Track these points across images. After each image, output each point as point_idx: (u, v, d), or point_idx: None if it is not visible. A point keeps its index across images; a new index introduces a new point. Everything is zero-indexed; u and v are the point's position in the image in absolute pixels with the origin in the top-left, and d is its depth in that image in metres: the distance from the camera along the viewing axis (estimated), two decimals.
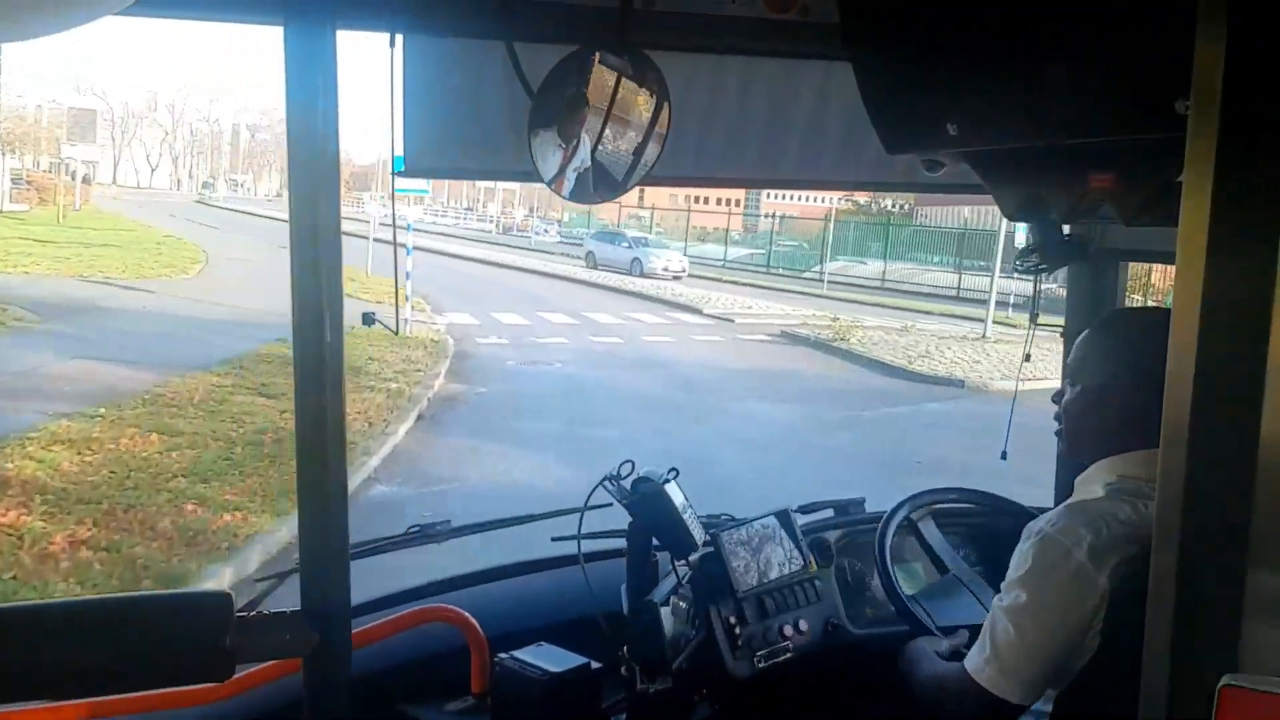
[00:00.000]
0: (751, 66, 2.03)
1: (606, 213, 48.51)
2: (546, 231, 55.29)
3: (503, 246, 45.57)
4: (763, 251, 42.45)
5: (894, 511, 2.31)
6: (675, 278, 31.39)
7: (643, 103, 1.76)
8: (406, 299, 16.16)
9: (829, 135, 2.11)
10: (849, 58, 1.88)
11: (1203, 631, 0.98)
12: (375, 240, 17.32)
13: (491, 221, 69.13)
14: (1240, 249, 0.94)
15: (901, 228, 39.22)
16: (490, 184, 61.65)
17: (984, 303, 27.98)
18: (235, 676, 1.54)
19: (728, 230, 45.82)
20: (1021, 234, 20.80)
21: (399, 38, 1.74)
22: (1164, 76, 1.26)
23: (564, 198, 1.84)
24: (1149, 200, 1.54)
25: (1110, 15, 1.44)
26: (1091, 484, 1.78)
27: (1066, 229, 2.25)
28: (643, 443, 10.07)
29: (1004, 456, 1.92)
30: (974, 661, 1.72)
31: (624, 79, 1.74)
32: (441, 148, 1.90)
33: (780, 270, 39.08)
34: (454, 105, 1.87)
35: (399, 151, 1.88)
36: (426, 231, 48.82)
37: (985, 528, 2.44)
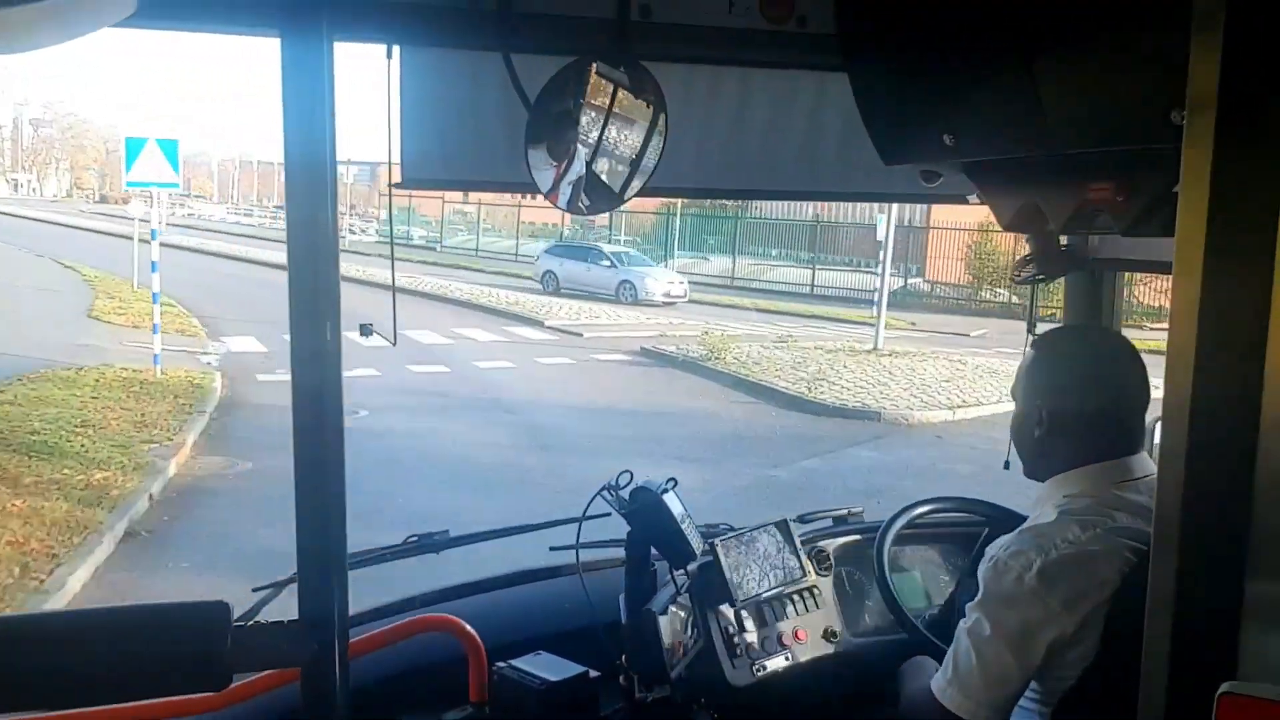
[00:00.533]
0: (749, 77, 2.03)
1: (428, 207, 45.22)
2: (364, 231, 48.90)
3: None
4: None
5: (892, 520, 2.31)
6: (670, 303, 26.06)
7: (640, 114, 1.77)
8: (156, 328, 13.14)
9: (826, 146, 2.11)
10: (846, 69, 1.89)
11: (1201, 640, 0.98)
12: (157, 243, 13.07)
13: None
14: (1236, 258, 0.94)
15: (745, 221, 35.15)
16: None
17: (846, 300, 26.64)
18: (232, 686, 1.54)
19: (561, 227, 39.86)
20: (882, 226, 20.10)
21: (396, 49, 1.75)
22: (1160, 87, 1.26)
23: (561, 209, 1.85)
24: (1146, 210, 1.54)
25: (1106, 26, 1.45)
26: (1045, 504, 1.84)
27: (1063, 239, 2.26)
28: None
29: (1006, 466, 1.97)
30: (938, 682, 1.75)
31: (621, 90, 1.75)
32: (439, 159, 1.90)
33: None
34: (452, 116, 1.87)
35: (397, 162, 1.88)
36: (223, 233, 43.98)
37: (982, 537, 2.44)
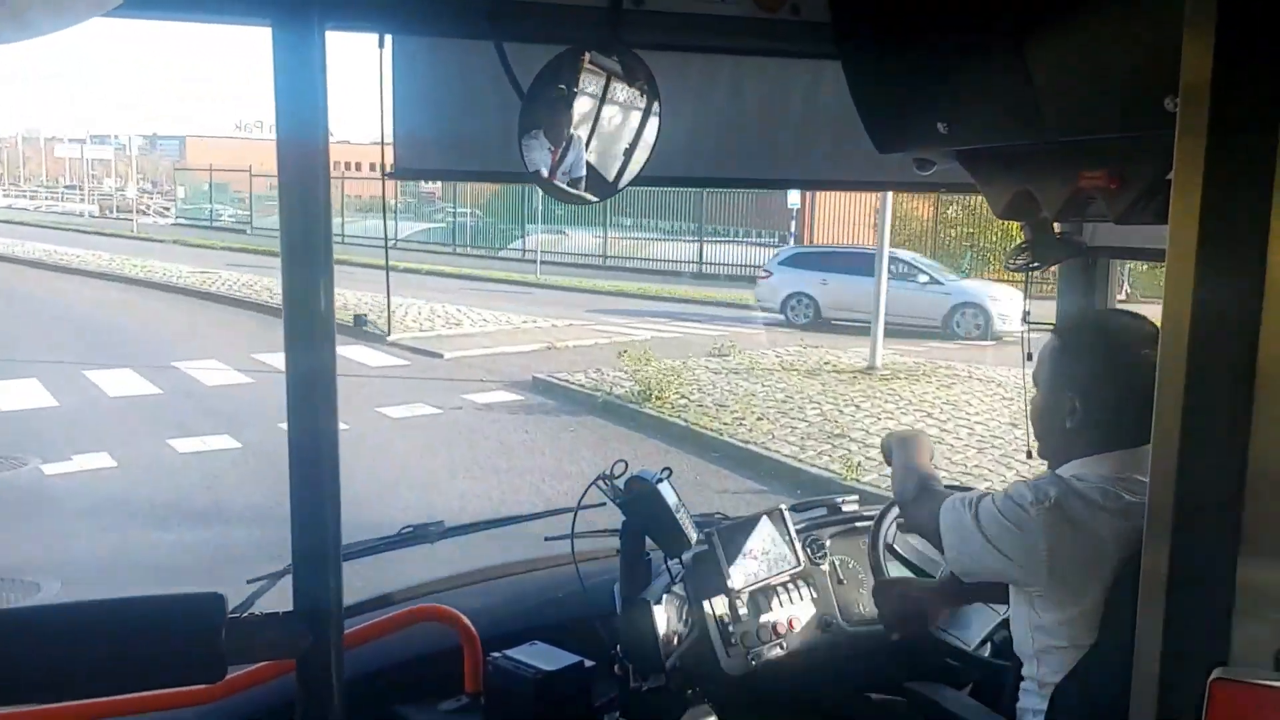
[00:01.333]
0: (742, 66, 2.03)
1: (237, 181, 39.00)
2: (165, 212, 45.42)
3: (94, 234, 34.35)
4: (442, 225, 33.33)
5: (887, 509, 2.31)
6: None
7: (633, 102, 1.76)
8: None
9: (820, 134, 2.11)
10: (839, 57, 1.89)
11: (1194, 626, 0.98)
12: None
13: (97, 201, 54.03)
14: (1230, 245, 0.94)
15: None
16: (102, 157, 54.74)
17: (738, 279, 22.28)
18: (228, 677, 1.54)
19: (396, 202, 34.67)
20: (795, 192, 19.14)
21: (388, 38, 1.74)
22: (1153, 74, 1.26)
23: (557, 199, 1.84)
24: (1139, 197, 1.54)
25: (1099, 14, 1.45)
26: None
27: (1057, 227, 2.26)
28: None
29: (1029, 455, 1.99)
30: (947, 517, 1.85)
31: (614, 79, 1.74)
32: (431, 149, 1.90)
33: (469, 249, 30.88)
34: (444, 106, 1.87)
35: (389, 153, 1.88)
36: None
37: None
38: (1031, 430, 1.93)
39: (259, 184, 36.51)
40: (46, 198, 59.72)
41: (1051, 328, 2.51)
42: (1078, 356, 1.84)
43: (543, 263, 25.59)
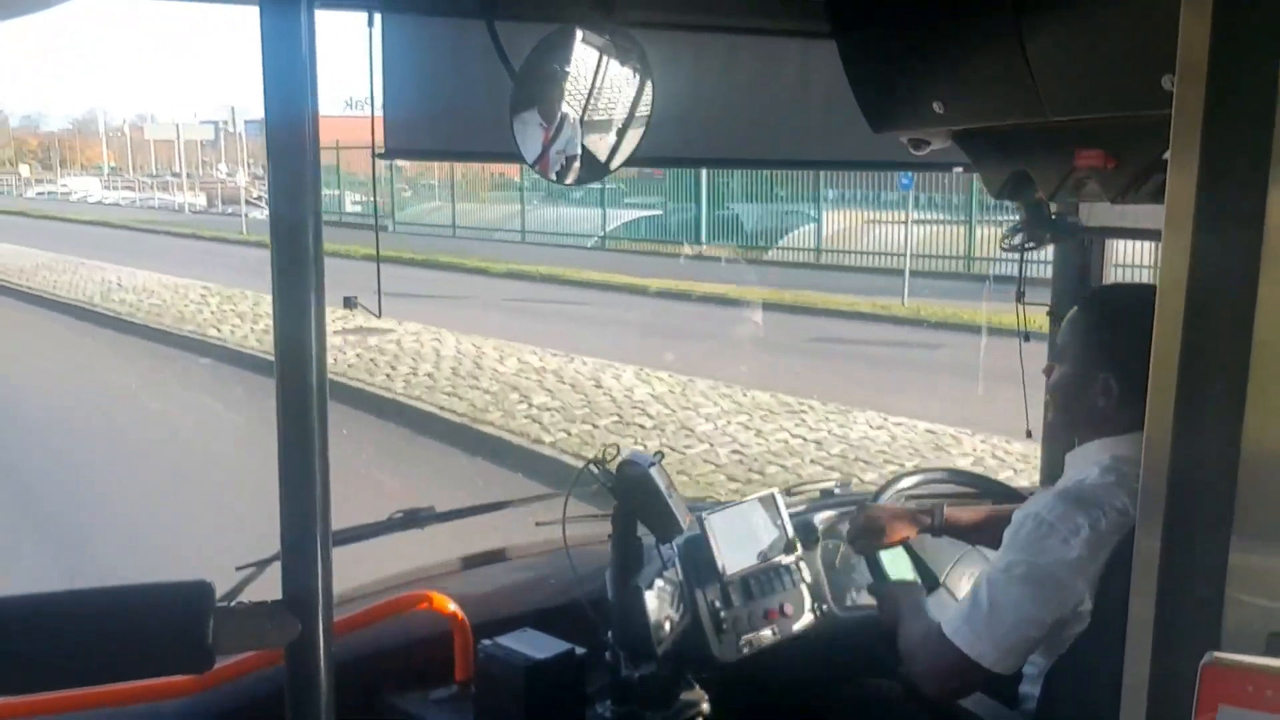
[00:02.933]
0: (735, 44, 2.01)
1: (359, 162, 28.36)
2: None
3: (189, 237, 28.82)
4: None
5: (879, 494, 2.31)
6: None
7: (626, 81, 1.74)
8: None
9: (814, 114, 2.10)
10: (834, 36, 1.87)
11: (1185, 610, 0.97)
12: None
13: (202, 190, 48.47)
14: (1226, 225, 0.93)
15: None
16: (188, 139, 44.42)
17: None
18: (216, 666, 1.53)
19: (522, 180, 25.80)
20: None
21: (378, 16, 1.72)
22: (1150, 53, 1.25)
23: (549, 179, 1.82)
24: (1135, 177, 1.53)
25: None
26: (1084, 464, 1.78)
27: (1053, 206, 2.25)
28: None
29: (1029, 435, 1.97)
30: (953, 624, 1.74)
31: (607, 57, 1.72)
32: (422, 128, 1.88)
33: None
34: (434, 85, 1.85)
35: (380, 132, 1.86)
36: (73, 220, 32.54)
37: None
38: (1056, 406, 1.87)
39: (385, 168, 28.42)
40: (153, 187, 53.61)
41: (1047, 308, 2.51)
42: (1115, 331, 1.76)
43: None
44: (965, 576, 2.28)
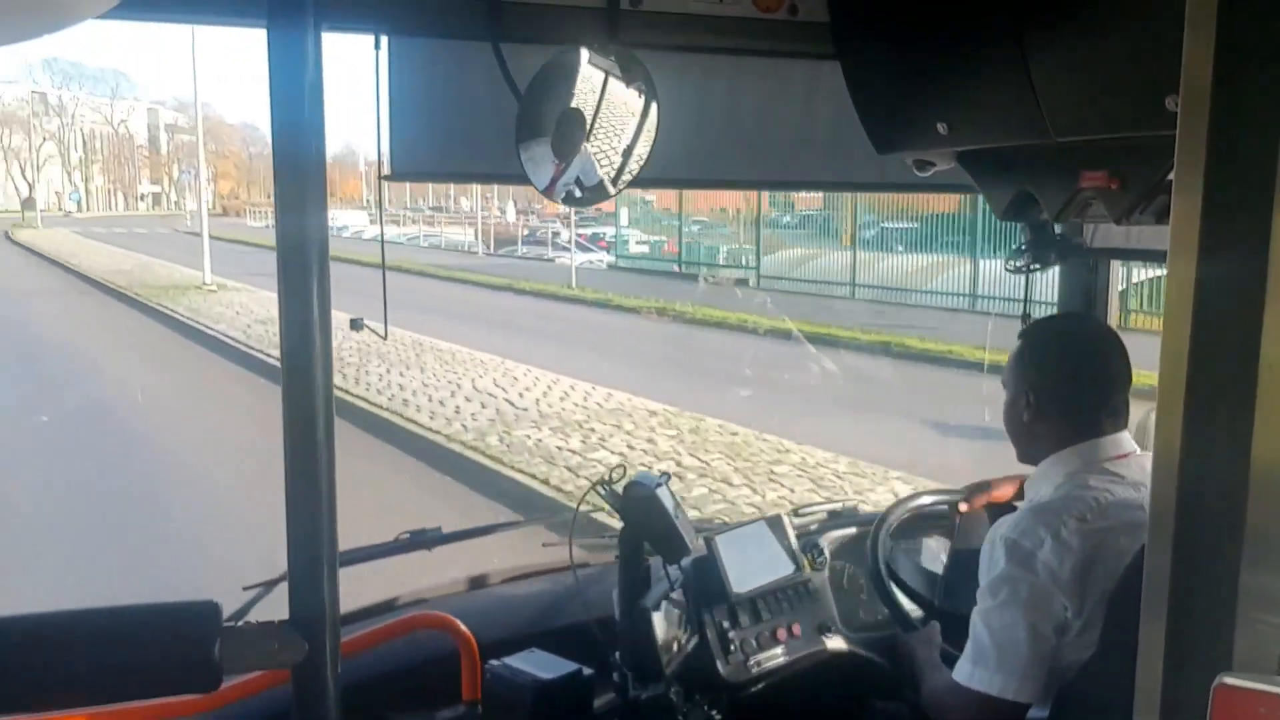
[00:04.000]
0: (740, 66, 2.02)
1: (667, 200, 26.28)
2: (589, 243, 31.50)
3: (520, 294, 23.13)
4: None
5: (887, 514, 2.30)
6: None
7: (631, 103, 1.75)
8: None
9: (819, 135, 2.10)
10: (838, 57, 1.88)
11: (1197, 630, 0.97)
12: None
13: (464, 228, 43.99)
14: (1232, 246, 0.93)
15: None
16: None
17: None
18: (223, 687, 1.52)
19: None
20: None
21: (384, 39, 1.73)
22: (1154, 74, 1.25)
23: (554, 200, 1.83)
24: (1140, 198, 1.54)
25: (1100, 13, 1.44)
26: (1041, 484, 1.89)
27: (1058, 227, 2.26)
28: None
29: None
30: (963, 670, 1.77)
31: (612, 79, 1.73)
32: (428, 150, 1.89)
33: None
34: (440, 107, 1.86)
35: (385, 155, 1.87)
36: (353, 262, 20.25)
37: (979, 528, 2.44)
38: (1007, 431, 1.98)
39: (722, 199, 23.95)
40: (416, 221, 48.60)
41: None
42: (1032, 354, 1.93)
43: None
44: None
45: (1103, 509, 1.75)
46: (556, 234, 35.01)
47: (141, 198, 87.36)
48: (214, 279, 23.31)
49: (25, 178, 78.88)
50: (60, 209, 74.18)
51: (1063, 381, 1.88)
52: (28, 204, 63.77)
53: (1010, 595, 1.72)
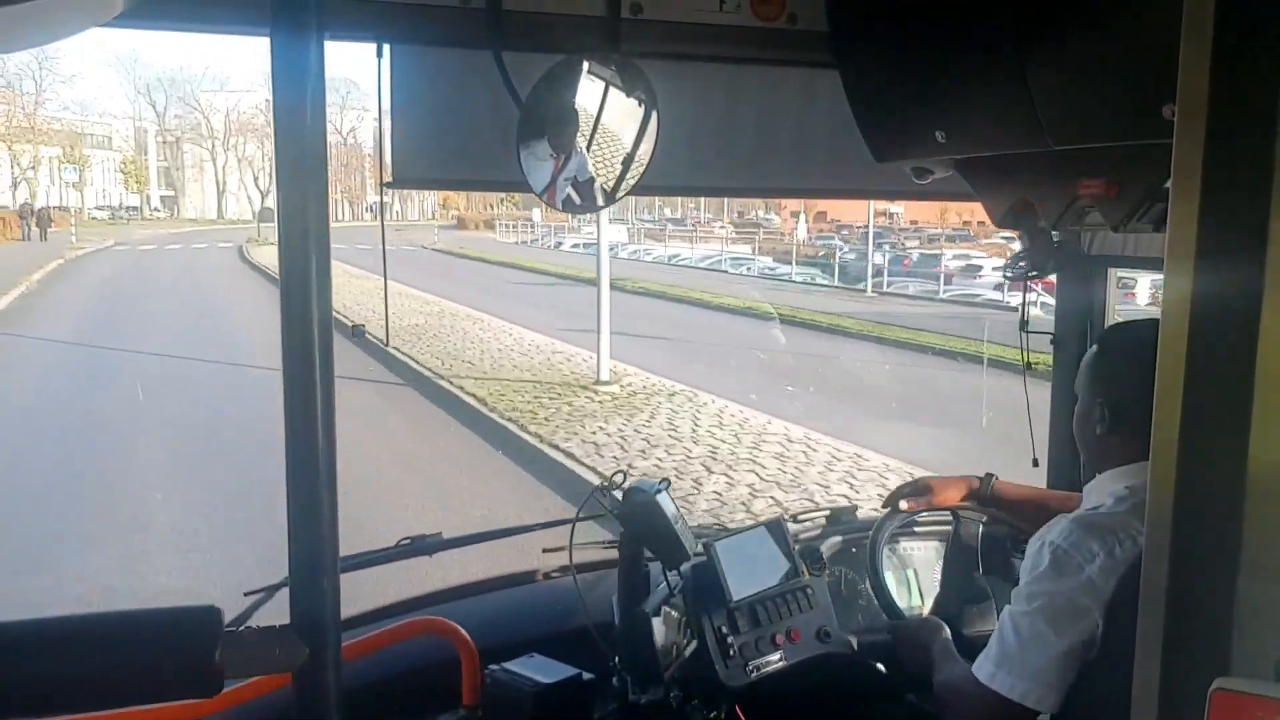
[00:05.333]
0: (740, 75, 2.03)
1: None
2: (843, 249, 29.17)
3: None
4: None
5: (886, 519, 2.31)
6: None
7: (631, 111, 1.76)
8: None
9: (817, 143, 2.11)
10: (837, 66, 1.89)
11: (1194, 636, 0.97)
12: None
13: (745, 233, 38.53)
14: (1228, 254, 0.94)
15: None
16: None
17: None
18: (224, 692, 1.53)
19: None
20: None
21: (386, 48, 1.74)
22: (1151, 82, 1.26)
23: (555, 208, 1.84)
24: (1137, 206, 1.55)
25: (1097, 22, 1.45)
26: (1099, 494, 1.81)
27: (1056, 235, 2.26)
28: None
29: (1035, 464, 2.00)
30: (985, 668, 1.74)
31: (612, 88, 1.75)
32: (430, 157, 1.90)
33: None
34: (442, 115, 1.87)
35: (387, 161, 1.88)
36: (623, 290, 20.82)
37: (977, 535, 2.45)
38: (1076, 436, 1.91)
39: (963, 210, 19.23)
40: (662, 236, 42.41)
41: (1050, 336, 2.52)
42: (1110, 364, 1.82)
43: None
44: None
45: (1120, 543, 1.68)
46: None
47: (369, 209, 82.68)
48: (612, 365, 12.87)
49: (258, 187, 76.76)
50: None
51: (1145, 394, 1.77)
52: (263, 215, 55.61)
53: (1046, 605, 1.68)
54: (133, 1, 1.27)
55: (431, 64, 1.83)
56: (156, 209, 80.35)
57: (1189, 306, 0.95)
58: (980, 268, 25.95)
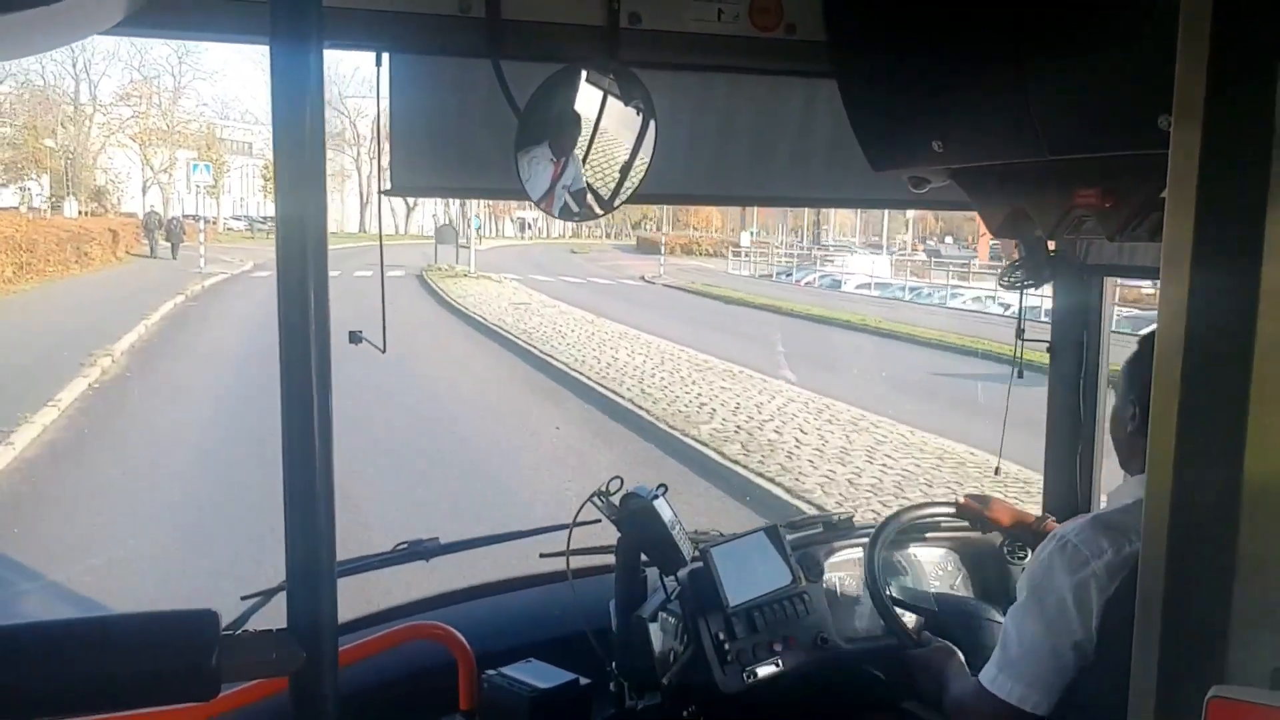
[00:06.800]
0: (737, 84, 2.04)
1: None
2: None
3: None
4: None
5: (883, 526, 2.31)
6: None
7: (629, 120, 1.77)
8: None
9: (815, 153, 2.12)
10: (835, 75, 1.90)
11: (1190, 644, 0.98)
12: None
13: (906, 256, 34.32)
14: (1223, 263, 0.94)
15: None
16: None
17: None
18: (221, 696, 1.53)
19: None
20: None
21: (386, 56, 1.75)
22: (1147, 93, 1.27)
23: (553, 216, 1.85)
24: (1133, 215, 1.55)
25: (1094, 33, 1.46)
26: (1122, 495, 1.82)
27: (1052, 244, 2.27)
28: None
29: (997, 472, 2.00)
30: (989, 673, 1.75)
31: (610, 97, 1.75)
32: (428, 166, 1.90)
33: None
34: (441, 124, 1.87)
35: (385, 169, 1.88)
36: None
37: (971, 541, 2.45)
38: (1111, 438, 1.92)
39: None
40: (903, 270, 35.65)
41: (1047, 344, 2.52)
42: (1143, 363, 1.81)
43: None
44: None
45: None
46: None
47: (523, 225, 77.20)
48: None
49: (407, 202, 61.10)
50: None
51: None
52: (442, 235, 35.64)
53: (1043, 603, 1.69)
54: (133, 9, 1.27)
55: (430, 73, 1.83)
56: None
57: (1184, 315, 0.95)
58: None
